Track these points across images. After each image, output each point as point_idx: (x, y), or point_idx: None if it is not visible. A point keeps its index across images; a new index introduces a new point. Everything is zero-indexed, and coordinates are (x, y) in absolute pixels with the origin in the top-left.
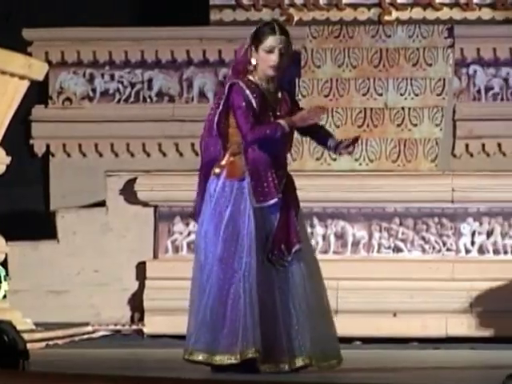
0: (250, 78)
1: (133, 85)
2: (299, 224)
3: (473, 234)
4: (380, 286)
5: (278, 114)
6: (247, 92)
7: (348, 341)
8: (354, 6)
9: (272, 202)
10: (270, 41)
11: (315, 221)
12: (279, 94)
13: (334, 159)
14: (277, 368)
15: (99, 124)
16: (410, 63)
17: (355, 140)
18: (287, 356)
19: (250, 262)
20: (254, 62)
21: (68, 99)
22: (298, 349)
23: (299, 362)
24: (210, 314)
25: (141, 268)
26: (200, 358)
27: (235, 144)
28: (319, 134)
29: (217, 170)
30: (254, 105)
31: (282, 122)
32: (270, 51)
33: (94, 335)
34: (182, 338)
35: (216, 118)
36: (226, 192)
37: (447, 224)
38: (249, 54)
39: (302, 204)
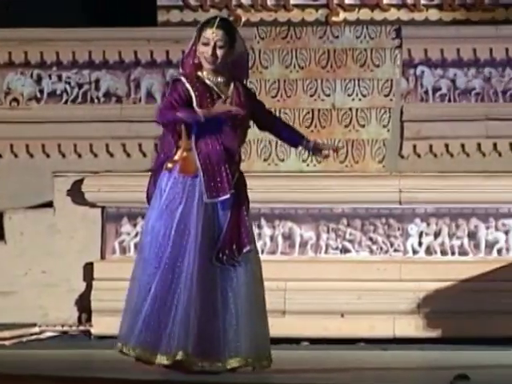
0: (199, 72)
1: (80, 85)
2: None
3: (420, 234)
4: (328, 287)
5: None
6: (188, 87)
7: (296, 341)
8: (302, 7)
9: (224, 197)
10: (206, 33)
11: (263, 222)
12: (231, 86)
13: (282, 160)
14: (213, 367)
15: (46, 125)
16: (357, 64)
17: (334, 150)
18: (223, 355)
19: (195, 262)
20: (197, 54)
21: (15, 100)
22: (234, 349)
23: (235, 363)
24: (152, 314)
25: (88, 269)
26: (140, 354)
27: (188, 139)
28: (279, 128)
29: (169, 165)
30: (194, 100)
31: (198, 110)
32: (206, 43)
33: (41, 336)
34: None
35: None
36: (178, 188)
37: (395, 225)
38: (194, 48)
39: (249, 205)
